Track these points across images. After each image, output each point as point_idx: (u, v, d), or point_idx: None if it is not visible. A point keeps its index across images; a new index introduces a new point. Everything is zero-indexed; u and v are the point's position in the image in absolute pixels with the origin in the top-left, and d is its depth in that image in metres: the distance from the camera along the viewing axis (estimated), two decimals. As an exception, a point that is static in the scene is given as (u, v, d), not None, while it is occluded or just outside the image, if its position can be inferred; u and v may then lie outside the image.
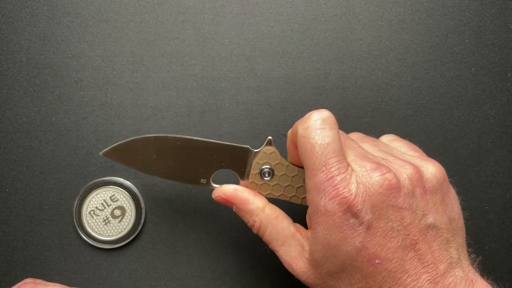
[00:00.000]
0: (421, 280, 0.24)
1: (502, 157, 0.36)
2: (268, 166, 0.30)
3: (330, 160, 0.25)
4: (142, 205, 0.35)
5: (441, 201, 0.26)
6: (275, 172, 0.30)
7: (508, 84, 0.37)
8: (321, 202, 0.25)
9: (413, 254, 0.25)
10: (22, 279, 0.35)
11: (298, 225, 0.29)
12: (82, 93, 0.36)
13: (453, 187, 0.29)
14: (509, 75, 0.37)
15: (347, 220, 0.24)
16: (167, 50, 0.36)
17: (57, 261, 0.35)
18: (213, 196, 0.30)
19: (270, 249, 0.29)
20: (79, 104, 0.36)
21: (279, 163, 0.30)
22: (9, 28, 0.36)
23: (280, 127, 0.36)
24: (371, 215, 0.24)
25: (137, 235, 0.35)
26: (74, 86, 0.36)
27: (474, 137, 0.37)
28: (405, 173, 0.26)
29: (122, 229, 0.35)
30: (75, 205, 0.35)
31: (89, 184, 0.35)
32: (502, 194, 0.36)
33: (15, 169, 0.36)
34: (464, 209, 0.29)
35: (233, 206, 0.30)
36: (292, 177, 0.30)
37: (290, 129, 0.29)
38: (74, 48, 0.36)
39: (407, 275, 0.24)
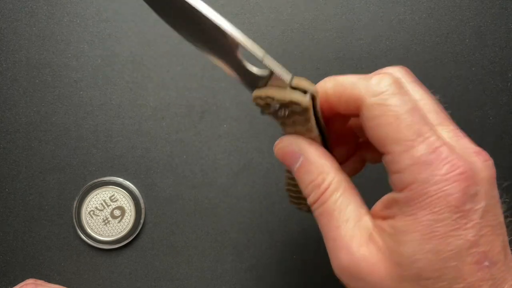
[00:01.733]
0: None
1: (502, 157, 0.36)
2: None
3: (423, 128, 0.19)
4: (142, 205, 0.35)
5: None
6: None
7: (509, 84, 0.37)
8: (431, 179, 0.18)
9: (506, 265, 0.19)
10: (22, 279, 0.35)
11: (368, 209, 0.22)
12: (81, 93, 0.36)
13: None
14: (510, 75, 0.37)
15: (464, 203, 0.18)
16: (166, 50, 0.36)
17: (57, 261, 0.35)
18: (276, 148, 0.24)
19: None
20: (79, 104, 0.36)
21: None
22: (9, 28, 0.36)
23: (280, 127, 0.36)
24: (484, 203, 0.19)
25: (137, 235, 0.35)
26: (73, 86, 0.36)
27: (474, 137, 0.36)
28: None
29: (122, 229, 0.35)
30: (74, 205, 0.35)
31: (88, 184, 0.35)
32: (502, 194, 0.36)
33: (14, 169, 0.36)
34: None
35: (300, 158, 0.22)
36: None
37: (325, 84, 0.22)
38: (73, 48, 0.36)
39: (507, 283, 0.19)
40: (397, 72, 0.22)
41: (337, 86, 0.21)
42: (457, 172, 0.18)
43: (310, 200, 0.22)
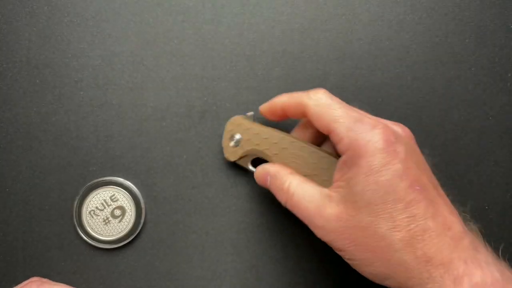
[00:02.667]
0: (455, 214, 0.26)
1: (502, 157, 0.36)
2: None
3: (350, 110, 0.28)
4: (142, 205, 0.35)
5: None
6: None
7: (508, 84, 0.37)
8: (362, 137, 0.26)
9: (439, 193, 0.27)
10: (22, 278, 0.35)
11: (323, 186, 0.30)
12: (82, 93, 0.36)
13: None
14: (509, 75, 0.37)
15: (389, 146, 0.26)
16: (167, 50, 0.36)
17: (57, 260, 0.35)
18: (256, 175, 0.33)
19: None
20: (79, 104, 0.36)
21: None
22: (9, 28, 0.36)
23: (280, 127, 0.36)
24: (404, 147, 0.26)
25: (137, 235, 0.35)
26: (74, 86, 0.36)
27: (474, 137, 0.37)
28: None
29: (122, 229, 0.35)
30: (75, 205, 0.35)
31: (89, 184, 0.35)
32: (502, 194, 0.36)
33: (15, 169, 0.36)
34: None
35: (268, 178, 0.31)
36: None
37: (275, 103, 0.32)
38: (74, 48, 0.36)
39: (443, 207, 0.26)
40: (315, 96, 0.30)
41: (289, 99, 0.31)
42: (378, 128, 0.27)
43: (282, 202, 0.30)
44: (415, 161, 0.27)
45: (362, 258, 0.27)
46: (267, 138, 0.33)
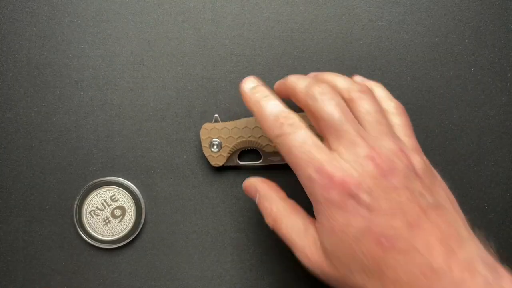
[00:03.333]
0: (434, 255, 0.23)
1: (502, 157, 0.36)
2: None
3: (311, 155, 0.26)
4: (142, 205, 0.35)
5: (434, 183, 0.26)
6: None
7: (508, 84, 0.37)
8: (317, 192, 0.25)
9: (418, 232, 0.24)
10: (23, 278, 0.35)
11: (312, 218, 0.28)
12: (82, 93, 0.36)
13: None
14: (509, 75, 0.37)
15: (346, 203, 0.24)
16: (167, 50, 0.36)
17: (58, 260, 0.35)
18: (244, 184, 0.32)
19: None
20: (80, 104, 0.36)
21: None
22: (10, 28, 0.36)
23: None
24: (369, 196, 0.24)
25: (137, 235, 0.35)
26: (74, 86, 0.36)
27: (474, 137, 0.37)
28: (397, 157, 0.26)
29: (122, 229, 0.35)
30: (75, 205, 0.35)
31: (89, 184, 0.35)
32: (502, 194, 0.36)
33: (15, 169, 0.36)
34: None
35: (257, 195, 0.31)
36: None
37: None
38: (74, 48, 0.36)
39: (418, 253, 0.24)
40: (315, 90, 0.28)
41: (256, 115, 0.29)
42: (334, 181, 0.25)
43: (269, 225, 0.29)
44: (383, 206, 0.24)
45: None
46: (245, 127, 0.34)
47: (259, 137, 0.34)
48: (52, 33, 0.36)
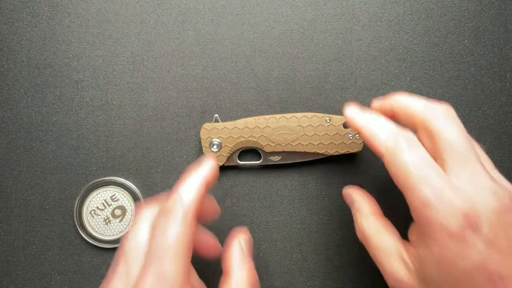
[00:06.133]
0: None
1: (502, 157, 0.36)
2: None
3: (430, 174, 0.24)
4: (143, 205, 0.35)
5: None
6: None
7: (507, 84, 0.37)
8: (433, 217, 0.23)
9: None
10: (23, 278, 0.35)
11: (404, 241, 0.27)
12: (82, 93, 0.36)
13: None
14: (508, 75, 0.37)
15: (465, 234, 0.23)
16: (167, 51, 0.36)
17: (58, 260, 0.35)
18: (344, 192, 0.32)
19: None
20: (80, 104, 0.36)
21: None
22: (10, 29, 0.36)
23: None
24: (488, 230, 0.23)
25: (137, 234, 0.35)
26: (74, 86, 0.36)
27: (474, 137, 0.37)
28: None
29: (123, 229, 0.35)
30: (75, 205, 0.35)
31: (89, 184, 0.35)
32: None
33: (16, 169, 0.36)
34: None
35: (353, 205, 0.31)
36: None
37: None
38: (74, 49, 0.36)
39: None
40: (439, 111, 0.26)
41: (364, 134, 0.28)
42: (456, 209, 0.23)
43: (358, 235, 0.29)
44: (500, 242, 0.23)
45: None
46: (245, 127, 0.34)
47: (258, 137, 0.34)
48: (52, 33, 0.36)
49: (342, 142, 0.34)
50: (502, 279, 0.23)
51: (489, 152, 0.36)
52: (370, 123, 0.27)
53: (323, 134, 0.34)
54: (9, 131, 0.36)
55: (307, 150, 0.35)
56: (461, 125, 0.26)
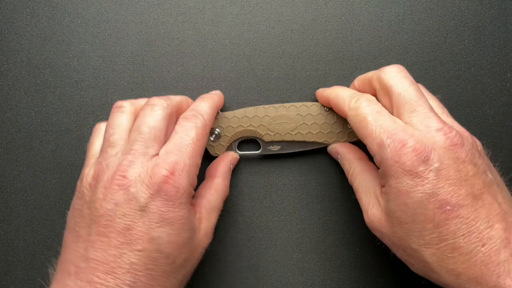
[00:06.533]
0: (495, 228, 0.25)
1: (502, 157, 0.36)
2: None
3: (385, 122, 0.27)
4: (143, 205, 0.35)
5: (490, 164, 0.28)
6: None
7: (508, 84, 0.37)
8: (388, 156, 0.26)
9: (482, 204, 0.26)
10: (23, 278, 0.35)
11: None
12: (82, 93, 0.36)
13: None
14: (509, 75, 0.37)
15: (416, 167, 0.26)
16: (167, 51, 0.36)
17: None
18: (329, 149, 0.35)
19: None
20: (80, 104, 0.36)
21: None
22: (10, 29, 0.36)
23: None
24: (438, 164, 0.26)
25: (137, 234, 0.35)
26: (74, 86, 0.36)
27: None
28: (465, 136, 0.28)
29: (123, 229, 0.35)
30: (75, 205, 0.35)
31: (89, 184, 0.35)
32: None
33: (15, 169, 0.36)
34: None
35: (338, 156, 0.34)
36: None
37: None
38: (74, 49, 0.36)
39: (480, 222, 0.25)
40: (391, 69, 0.30)
41: (332, 101, 0.33)
42: (407, 146, 0.26)
43: (349, 181, 0.33)
44: (451, 175, 0.26)
45: (403, 259, 0.28)
46: (244, 116, 0.34)
47: (257, 126, 0.34)
48: (52, 33, 0.36)
49: (341, 131, 0.34)
50: (452, 206, 0.25)
51: (490, 152, 0.36)
52: (336, 91, 0.32)
53: (323, 123, 0.34)
54: (9, 131, 0.36)
55: (306, 140, 0.34)
56: (411, 79, 0.29)
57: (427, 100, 0.28)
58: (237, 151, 0.35)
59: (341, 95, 0.32)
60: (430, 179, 0.25)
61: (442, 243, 0.26)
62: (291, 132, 0.34)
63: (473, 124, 0.36)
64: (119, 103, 0.31)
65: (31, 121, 0.36)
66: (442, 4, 0.37)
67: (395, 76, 0.29)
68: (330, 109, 0.34)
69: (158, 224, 0.26)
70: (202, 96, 0.33)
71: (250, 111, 0.34)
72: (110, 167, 0.27)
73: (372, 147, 0.28)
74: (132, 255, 0.25)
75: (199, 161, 0.29)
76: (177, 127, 0.29)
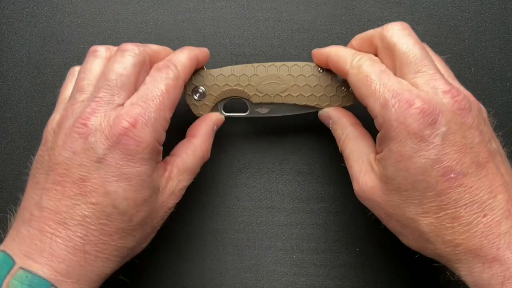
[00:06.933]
0: (498, 199, 0.24)
1: (502, 157, 0.36)
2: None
3: (389, 81, 0.26)
4: (142, 205, 0.35)
5: (493, 132, 0.27)
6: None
7: (508, 84, 0.37)
8: (392, 116, 0.25)
9: (486, 173, 0.24)
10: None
11: (375, 149, 0.29)
12: (82, 93, 0.36)
13: None
14: (509, 75, 0.37)
15: (422, 130, 0.24)
16: (167, 50, 0.36)
17: (58, 260, 0.35)
18: (320, 114, 0.33)
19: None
20: (80, 104, 0.36)
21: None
22: (10, 29, 0.36)
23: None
24: (445, 128, 0.24)
25: (137, 235, 0.35)
26: (74, 86, 0.36)
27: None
28: (472, 100, 0.26)
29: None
30: (75, 205, 0.35)
31: (89, 184, 0.35)
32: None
33: (15, 169, 0.36)
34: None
35: (330, 121, 0.32)
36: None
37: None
38: (74, 49, 0.36)
39: (483, 191, 0.24)
40: (395, 26, 0.28)
41: (331, 59, 0.30)
42: (414, 107, 0.24)
43: (339, 148, 0.31)
44: (457, 141, 0.24)
45: (394, 230, 0.27)
46: (231, 75, 0.32)
47: (245, 86, 0.32)
48: (52, 33, 0.36)
49: (335, 95, 0.32)
50: (456, 174, 0.24)
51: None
52: (337, 49, 0.30)
53: (315, 85, 0.32)
54: (9, 131, 0.36)
55: (297, 103, 0.32)
56: (416, 37, 0.27)
57: (432, 60, 0.27)
58: (223, 112, 0.33)
59: (342, 53, 0.29)
60: (435, 144, 0.24)
61: (441, 212, 0.24)
62: (281, 94, 0.32)
63: (473, 124, 0.36)
64: (94, 47, 0.29)
65: (31, 121, 0.36)
66: (442, 4, 0.37)
67: (399, 34, 0.27)
68: (325, 70, 0.32)
69: (114, 178, 0.24)
70: (183, 47, 0.31)
71: (238, 69, 0.32)
72: (74, 114, 0.26)
73: (375, 107, 0.26)
74: (85, 207, 0.24)
75: (168, 115, 0.27)
76: (147, 78, 0.27)
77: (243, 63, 0.36)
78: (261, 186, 0.36)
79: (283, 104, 0.32)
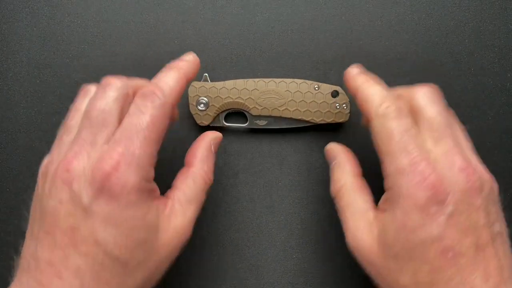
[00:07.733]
0: (489, 283, 0.24)
1: (502, 157, 0.36)
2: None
3: (410, 145, 0.25)
4: (142, 205, 0.35)
5: (500, 212, 0.26)
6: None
7: (508, 84, 0.37)
8: (403, 185, 0.24)
9: (483, 256, 0.24)
10: (22, 278, 0.35)
11: (375, 206, 0.28)
12: (82, 93, 0.36)
13: None
14: (509, 75, 0.37)
15: (430, 206, 0.24)
16: (167, 50, 0.36)
17: (58, 260, 0.35)
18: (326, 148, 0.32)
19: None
20: (80, 104, 0.36)
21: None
22: (10, 28, 0.36)
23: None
24: (452, 208, 0.24)
25: (137, 235, 0.35)
26: (74, 86, 0.36)
27: (474, 137, 0.37)
28: (486, 179, 0.26)
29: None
30: (75, 205, 0.35)
31: (89, 184, 0.35)
32: (502, 194, 0.36)
33: (15, 169, 0.36)
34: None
35: (333, 162, 0.31)
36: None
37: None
38: (74, 49, 0.36)
39: (476, 275, 0.24)
40: (423, 90, 0.27)
41: (359, 94, 0.28)
42: (427, 182, 0.24)
43: (331, 193, 0.30)
44: (461, 223, 0.24)
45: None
46: (233, 88, 0.34)
47: (246, 99, 0.34)
48: (52, 33, 0.36)
49: (328, 111, 0.34)
50: (455, 254, 0.24)
51: (490, 152, 0.36)
52: (368, 85, 0.28)
53: (311, 102, 0.34)
54: (9, 131, 0.36)
55: (293, 117, 0.35)
56: (443, 105, 0.27)
57: (455, 131, 0.27)
58: (224, 122, 0.35)
59: (371, 96, 0.28)
60: (439, 222, 0.24)
61: (433, 286, 0.24)
62: (278, 108, 0.34)
63: (473, 124, 0.36)
64: (85, 86, 0.28)
65: (31, 121, 0.36)
66: (442, 4, 0.37)
67: (428, 99, 0.27)
68: (320, 88, 0.34)
69: (102, 226, 0.23)
70: (169, 65, 0.29)
71: (239, 83, 0.35)
72: (59, 157, 0.25)
73: (389, 167, 0.25)
74: (78, 257, 0.23)
75: (155, 149, 0.26)
76: (131, 107, 0.26)
77: (243, 63, 0.36)
78: (261, 186, 0.36)
79: (280, 117, 0.35)
